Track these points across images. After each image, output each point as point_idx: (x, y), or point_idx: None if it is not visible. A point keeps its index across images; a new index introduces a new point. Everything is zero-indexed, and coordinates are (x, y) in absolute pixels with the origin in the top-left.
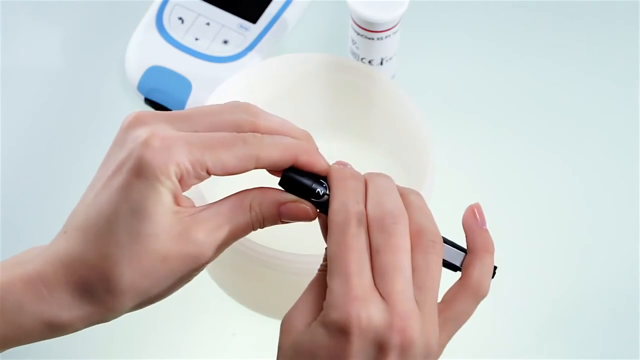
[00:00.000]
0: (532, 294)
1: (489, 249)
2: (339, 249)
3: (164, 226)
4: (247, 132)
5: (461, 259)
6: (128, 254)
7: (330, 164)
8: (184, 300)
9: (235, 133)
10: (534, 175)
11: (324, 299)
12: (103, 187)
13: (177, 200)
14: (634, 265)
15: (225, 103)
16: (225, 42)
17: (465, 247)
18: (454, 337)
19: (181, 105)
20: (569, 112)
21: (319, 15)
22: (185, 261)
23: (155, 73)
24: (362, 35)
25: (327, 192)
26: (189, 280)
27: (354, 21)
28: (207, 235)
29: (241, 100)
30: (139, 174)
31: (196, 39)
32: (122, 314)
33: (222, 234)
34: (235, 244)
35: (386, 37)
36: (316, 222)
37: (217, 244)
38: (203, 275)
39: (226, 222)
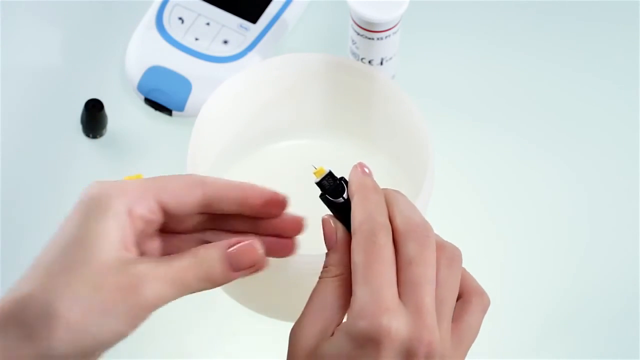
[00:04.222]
0: (532, 294)
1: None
2: (369, 259)
3: (104, 257)
4: None
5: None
6: (59, 279)
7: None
8: (183, 300)
9: None
10: (534, 176)
11: (337, 306)
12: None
13: (124, 240)
14: (634, 265)
15: None
16: (225, 42)
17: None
18: None
19: (181, 105)
20: (569, 113)
21: (319, 15)
22: (122, 294)
23: (155, 73)
24: (362, 35)
25: (345, 195)
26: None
27: (354, 21)
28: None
29: (241, 101)
30: (89, 204)
31: (196, 39)
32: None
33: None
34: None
35: (386, 37)
36: (318, 222)
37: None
38: None
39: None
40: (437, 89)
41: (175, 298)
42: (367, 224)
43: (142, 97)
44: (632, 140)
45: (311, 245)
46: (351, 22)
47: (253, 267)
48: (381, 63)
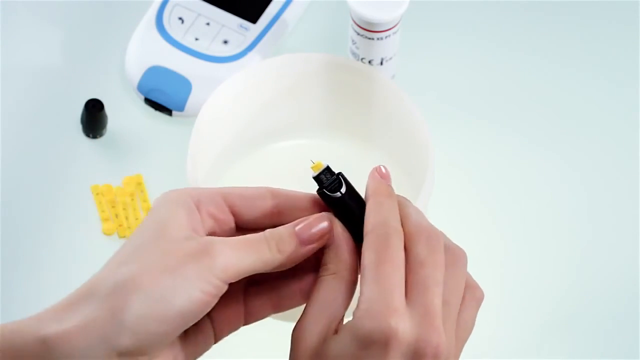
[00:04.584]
0: (532, 294)
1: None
2: (380, 260)
3: (173, 233)
4: None
5: None
6: (130, 257)
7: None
8: None
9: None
10: (534, 175)
11: (338, 304)
12: None
13: (193, 225)
14: (634, 265)
15: None
16: (225, 42)
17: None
18: None
19: (181, 105)
20: (569, 112)
21: (319, 15)
22: (192, 257)
23: (155, 73)
24: (362, 35)
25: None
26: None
27: (354, 21)
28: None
29: (241, 101)
30: (159, 202)
31: (196, 39)
32: (129, 326)
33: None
34: None
35: (386, 37)
36: None
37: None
38: None
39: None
40: (437, 89)
41: (249, 268)
42: (382, 228)
43: (142, 97)
44: (632, 140)
45: None
46: (351, 22)
47: (322, 240)
48: (381, 63)
